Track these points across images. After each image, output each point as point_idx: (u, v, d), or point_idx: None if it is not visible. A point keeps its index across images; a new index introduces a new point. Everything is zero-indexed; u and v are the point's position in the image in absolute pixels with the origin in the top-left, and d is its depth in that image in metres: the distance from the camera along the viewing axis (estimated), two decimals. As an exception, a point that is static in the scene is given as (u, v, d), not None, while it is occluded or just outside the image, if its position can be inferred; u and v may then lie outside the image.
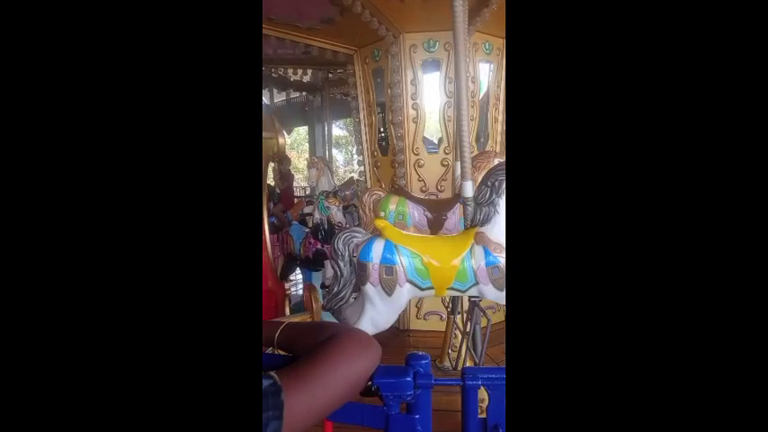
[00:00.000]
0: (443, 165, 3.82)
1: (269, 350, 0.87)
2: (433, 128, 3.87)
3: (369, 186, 4.15)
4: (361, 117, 4.22)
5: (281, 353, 0.84)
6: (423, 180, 3.79)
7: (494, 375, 0.85)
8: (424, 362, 0.87)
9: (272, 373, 0.62)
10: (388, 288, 2.15)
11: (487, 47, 3.86)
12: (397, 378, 0.83)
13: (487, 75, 3.97)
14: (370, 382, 0.81)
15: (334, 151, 13.29)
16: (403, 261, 2.16)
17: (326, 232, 3.83)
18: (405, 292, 2.18)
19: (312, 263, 3.97)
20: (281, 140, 2.42)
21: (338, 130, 11.32)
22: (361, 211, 3.45)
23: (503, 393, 0.85)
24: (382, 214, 3.12)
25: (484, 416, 0.87)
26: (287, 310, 2.54)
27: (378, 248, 2.17)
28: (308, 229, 4.26)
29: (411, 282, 2.17)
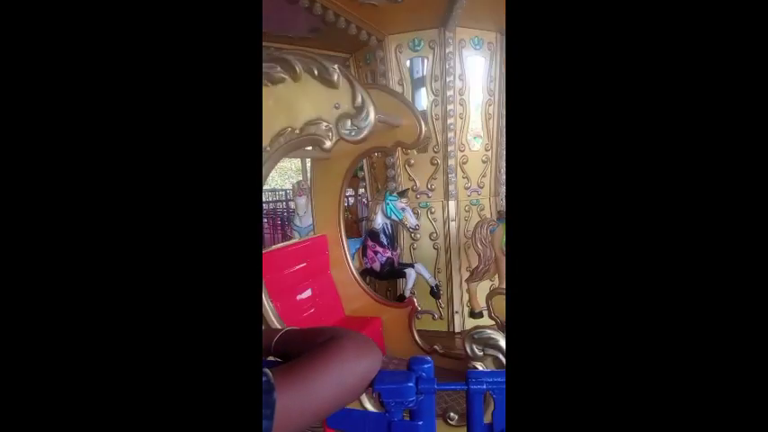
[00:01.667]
0: (483, 161, 3.74)
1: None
2: (475, 124, 3.76)
3: (397, 188, 3.94)
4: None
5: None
6: (467, 177, 3.72)
7: (499, 379, 0.81)
8: (426, 366, 0.84)
9: (267, 370, 0.61)
10: None
11: (476, 42, 3.67)
12: (399, 384, 0.81)
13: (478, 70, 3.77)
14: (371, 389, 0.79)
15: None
16: None
17: (391, 238, 3.36)
18: None
19: (378, 275, 3.36)
20: (423, 127, 2.30)
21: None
22: (479, 245, 3.23)
23: (509, 398, 0.81)
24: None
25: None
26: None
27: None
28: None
29: None
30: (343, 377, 0.69)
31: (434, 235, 3.76)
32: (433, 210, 3.76)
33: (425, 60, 3.64)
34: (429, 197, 3.78)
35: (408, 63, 3.68)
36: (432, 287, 3.36)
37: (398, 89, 3.73)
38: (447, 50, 3.49)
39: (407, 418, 0.83)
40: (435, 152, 3.70)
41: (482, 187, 3.75)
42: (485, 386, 0.81)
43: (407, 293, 3.25)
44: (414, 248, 3.78)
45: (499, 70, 3.75)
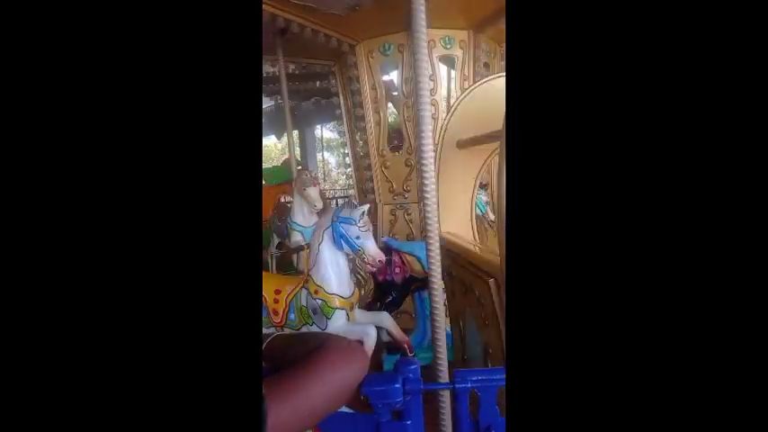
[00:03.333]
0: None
1: None
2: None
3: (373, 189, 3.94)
4: (366, 114, 3.92)
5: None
6: (439, 177, 3.79)
7: (483, 377, 0.83)
8: (412, 367, 0.86)
9: None
10: None
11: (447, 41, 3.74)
12: (386, 385, 0.83)
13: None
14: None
15: (326, 154, 13.18)
16: None
17: None
18: None
19: None
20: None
21: (327, 132, 11.26)
22: None
23: (493, 395, 0.83)
24: None
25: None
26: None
27: None
28: None
29: None
30: (331, 385, 0.71)
31: (411, 236, 3.78)
32: (409, 211, 3.80)
33: (397, 64, 3.74)
34: (405, 198, 3.81)
35: (379, 68, 3.80)
36: None
37: (372, 94, 3.81)
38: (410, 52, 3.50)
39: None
40: (409, 154, 3.73)
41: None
42: (470, 384, 0.84)
43: None
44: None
45: (473, 68, 3.82)
